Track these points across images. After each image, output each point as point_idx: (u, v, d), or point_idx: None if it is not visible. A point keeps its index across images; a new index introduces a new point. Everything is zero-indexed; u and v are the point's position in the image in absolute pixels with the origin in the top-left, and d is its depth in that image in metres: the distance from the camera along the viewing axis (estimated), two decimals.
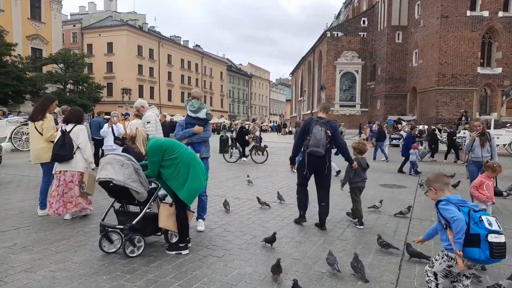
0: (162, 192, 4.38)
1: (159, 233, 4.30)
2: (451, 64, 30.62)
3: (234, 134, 16.59)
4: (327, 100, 44.60)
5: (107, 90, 46.06)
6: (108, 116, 11.02)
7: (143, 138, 3.99)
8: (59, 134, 5.27)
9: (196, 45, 67.89)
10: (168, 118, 20.47)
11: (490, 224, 2.48)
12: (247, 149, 14.38)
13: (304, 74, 63.26)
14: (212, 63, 69.31)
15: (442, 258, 2.75)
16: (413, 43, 36.03)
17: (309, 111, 54.33)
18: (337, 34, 43.81)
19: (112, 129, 8.64)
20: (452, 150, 16.13)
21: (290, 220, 5.54)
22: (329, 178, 5.27)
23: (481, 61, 31.36)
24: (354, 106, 44.59)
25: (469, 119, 24.13)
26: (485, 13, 30.25)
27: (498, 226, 2.50)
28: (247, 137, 14.66)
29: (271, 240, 4.19)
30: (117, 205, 4.28)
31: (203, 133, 4.94)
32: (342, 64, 43.96)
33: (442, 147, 17.89)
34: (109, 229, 3.97)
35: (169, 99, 56.45)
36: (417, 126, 21.26)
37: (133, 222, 3.87)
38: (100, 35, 49.32)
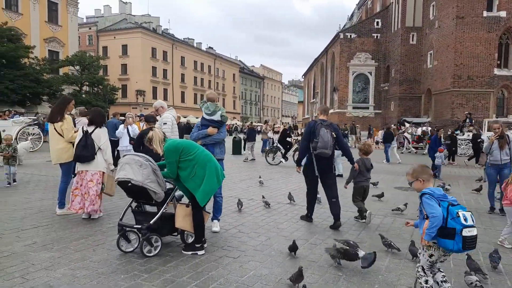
0: (178, 192, 4.42)
1: (175, 233, 4.34)
2: (467, 66, 30.09)
3: (244, 136, 16.77)
4: (339, 102, 44.38)
5: (121, 91, 46.65)
6: (123, 118, 11.18)
7: (159, 139, 4.04)
8: (80, 134, 5.36)
9: (209, 47, 68.34)
10: (184, 120, 20.67)
11: (465, 219, 2.72)
12: (289, 152, 14.34)
13: (317, 75, 63.01)
14: (224, 65, 69.64)
15: (423, 249, 2.96)
16: (427, 44, 35.55)
17: None
18: (350, 36, 43.51)
19: (128, 130, 8.76)
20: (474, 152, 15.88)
21: (304, 222, 5.54)
22: (334, 176, 5.62)
23: (498, 62, 30.74)
24: (367, 108, 44.20)
25: (473, 121, 23.73)
26: (503, 14, 29.67)
27: (473, 220, 2.76)
28: (290, 139, 14.74)
29: (293, 248, 4.05)
30: (133, 205, 4.34)
31: (216, 135, 4.96)
32: (355, 66, 43.63)
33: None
34: (127, 229, 4.03)
35: (182, 100, 56.89)
36: (427, 127, 20.98)
37: (151, 222, 3.91)
38: (115, 37, 50.07)
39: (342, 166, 10.09)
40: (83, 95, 34.89)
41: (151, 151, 4.09)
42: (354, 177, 5.72)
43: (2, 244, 4.19)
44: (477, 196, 8.10)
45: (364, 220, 5.55)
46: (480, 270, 3.49)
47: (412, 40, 37.79)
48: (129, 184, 3.87)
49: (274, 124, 22.79)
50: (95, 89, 37.88)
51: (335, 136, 5.38)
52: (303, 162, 5.67)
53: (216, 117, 4.95)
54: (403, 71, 38.24)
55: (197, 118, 34.82)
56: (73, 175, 5.72)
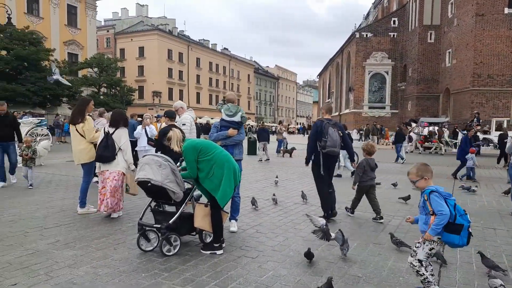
0: (196, 192, 4.46)
1: (194, 233, 4.38)
2: (487, 64, 29.41)
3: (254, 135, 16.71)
4: (355, 102, 43.97)
5: (138, 93, 47.40)
6: (140, 119, 11.34)
7: (178, 139, 4.09)
8: (102, 135, 5.46)
9: (224, 48, 68.67)
10: (204, 120, 20.79)
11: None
12: None
13: (332, 75, 62.56)
14: (239, 66, 69.86)
15: (424, 243, 3.04)
16: (446, 42, 34.88)
17: (337, 113, 53.64)
18: (366, 35, 43.07)
19: (145, 131, 8.88)
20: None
21: None
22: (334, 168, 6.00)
23: None
24: (384, 107, 43.65)
25: (480, 121, 23.11)
26: None
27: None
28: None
29: (308, 255, 3.91)
30: (152, 205, 4.39)
31: (237, 136, 4.98)
32: (371, 65, 43.16)
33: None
34: (147, 228, 4.09)
35: (198, 101, 57.33)
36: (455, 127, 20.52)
37: (170, 222, 3.95)
38: (132, 39, 50.86)
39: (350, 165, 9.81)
40: (101, 97, 35.57)
41: (171, 150, 4.14)
42: (360, 177, 5.80)
43: (26, 242, 4.31)
44: (499, 197, 7.90)
45: (379, 220, 5.64)
46: (498, 267, 3.56)
47: (430, 39, 37.14)
48: (149, 184, 3.93)
49: (288, 125, 22.75)
50: (113, 90, 38.57)
51: (341, 134, 5.68)
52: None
53: (237, 118, 4.97)
54: (421, 70, 37.61)
55: (212, 118, 35.02)
56: (95, 176, 5.81)
